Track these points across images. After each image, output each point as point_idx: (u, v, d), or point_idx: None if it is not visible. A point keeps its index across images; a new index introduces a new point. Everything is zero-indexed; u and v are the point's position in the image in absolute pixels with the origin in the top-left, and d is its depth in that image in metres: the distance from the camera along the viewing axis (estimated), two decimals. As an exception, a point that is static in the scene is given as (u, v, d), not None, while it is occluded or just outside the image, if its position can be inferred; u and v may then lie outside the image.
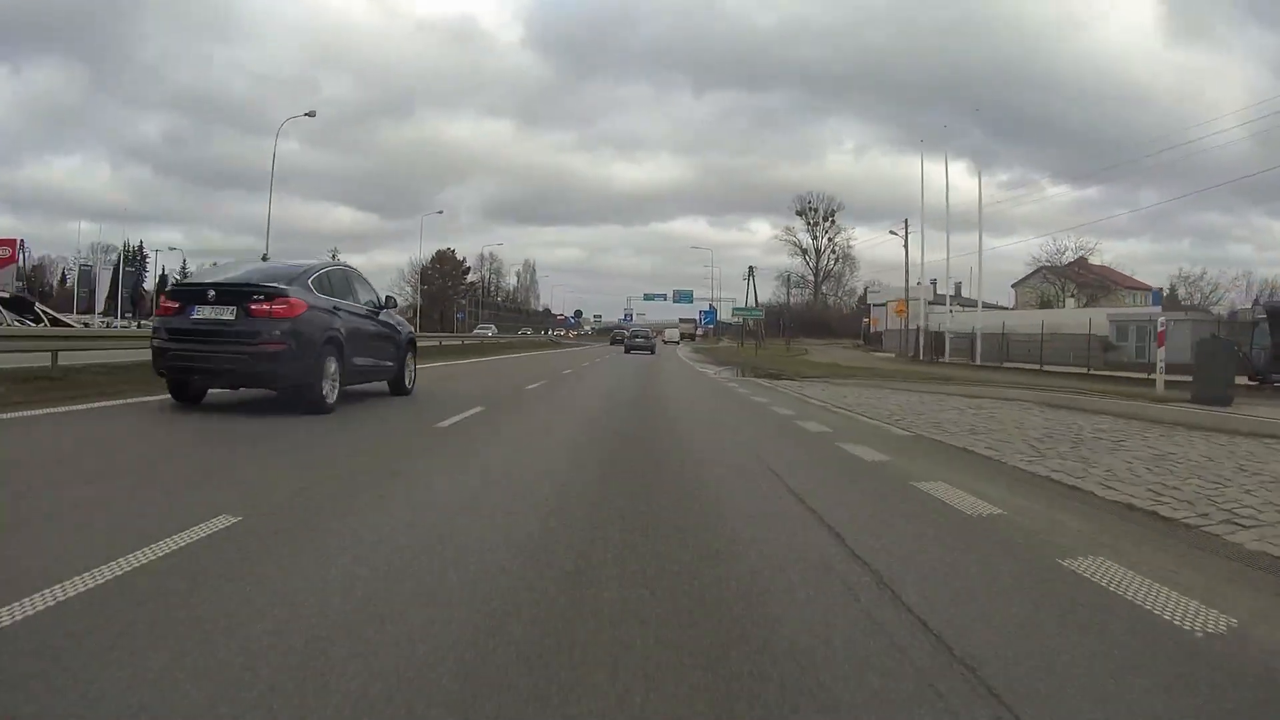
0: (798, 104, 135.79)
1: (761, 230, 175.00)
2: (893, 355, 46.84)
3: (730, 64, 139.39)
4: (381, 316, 10.76)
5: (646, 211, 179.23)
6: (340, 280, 10.02)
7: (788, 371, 26.03)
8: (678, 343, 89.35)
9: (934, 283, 64.43)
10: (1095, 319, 36.31)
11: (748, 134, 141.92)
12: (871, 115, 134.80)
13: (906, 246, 48.38)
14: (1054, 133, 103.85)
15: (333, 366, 8.90)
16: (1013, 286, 74.65)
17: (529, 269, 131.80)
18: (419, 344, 12.97)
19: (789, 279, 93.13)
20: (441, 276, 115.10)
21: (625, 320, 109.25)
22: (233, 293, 8.42)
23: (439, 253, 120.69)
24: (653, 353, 50.00)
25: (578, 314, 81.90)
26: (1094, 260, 67.64)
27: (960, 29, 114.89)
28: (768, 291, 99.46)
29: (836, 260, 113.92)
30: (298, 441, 6.84)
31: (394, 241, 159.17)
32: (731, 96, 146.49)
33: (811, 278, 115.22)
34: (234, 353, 8.17)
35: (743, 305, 78.28)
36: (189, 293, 8.81)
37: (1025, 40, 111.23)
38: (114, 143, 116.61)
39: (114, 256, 66.26)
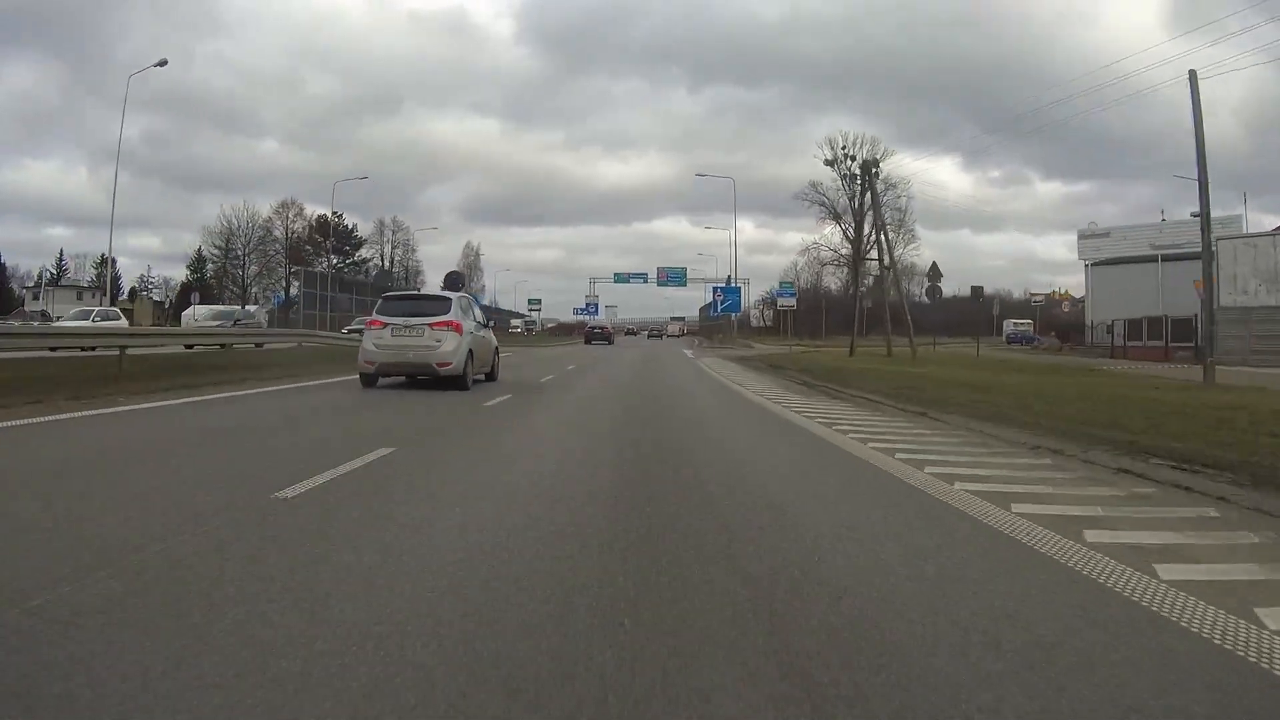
0: (792, 100, 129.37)
1: (745, 229, 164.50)
2: None
3: (728, 58, 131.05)
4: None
5: (629, 211, 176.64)
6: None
7: None
8: (676, 336, 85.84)
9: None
10: None
11: (740, 131, 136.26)
12: (866, 111, 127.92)
13: None
14: (1050, 128, 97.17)
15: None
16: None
17: (471, 252, 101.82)
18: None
19: (820, 257, 60.66)
20: (318, 251, 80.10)
21: (588, 311, 78.53)
22: (603, 326, 63.44)
23: (320, 218, 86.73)
24: (662, 339, 79.39)
25: (455, 280, 37.51)
26: None
27: (961, 23, 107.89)
28: (767, 284, 74.72)
29: (879, 229, 79.55)
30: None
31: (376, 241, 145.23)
32: (726, 92, 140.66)
33: (848, 252, 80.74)
34: (604, 339, 56.15)
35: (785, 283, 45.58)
36: (593, 326, 62.71)
37: (1026, 35, 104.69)
38: (91, 145, 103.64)
39: None
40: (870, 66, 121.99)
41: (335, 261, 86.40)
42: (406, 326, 12.78)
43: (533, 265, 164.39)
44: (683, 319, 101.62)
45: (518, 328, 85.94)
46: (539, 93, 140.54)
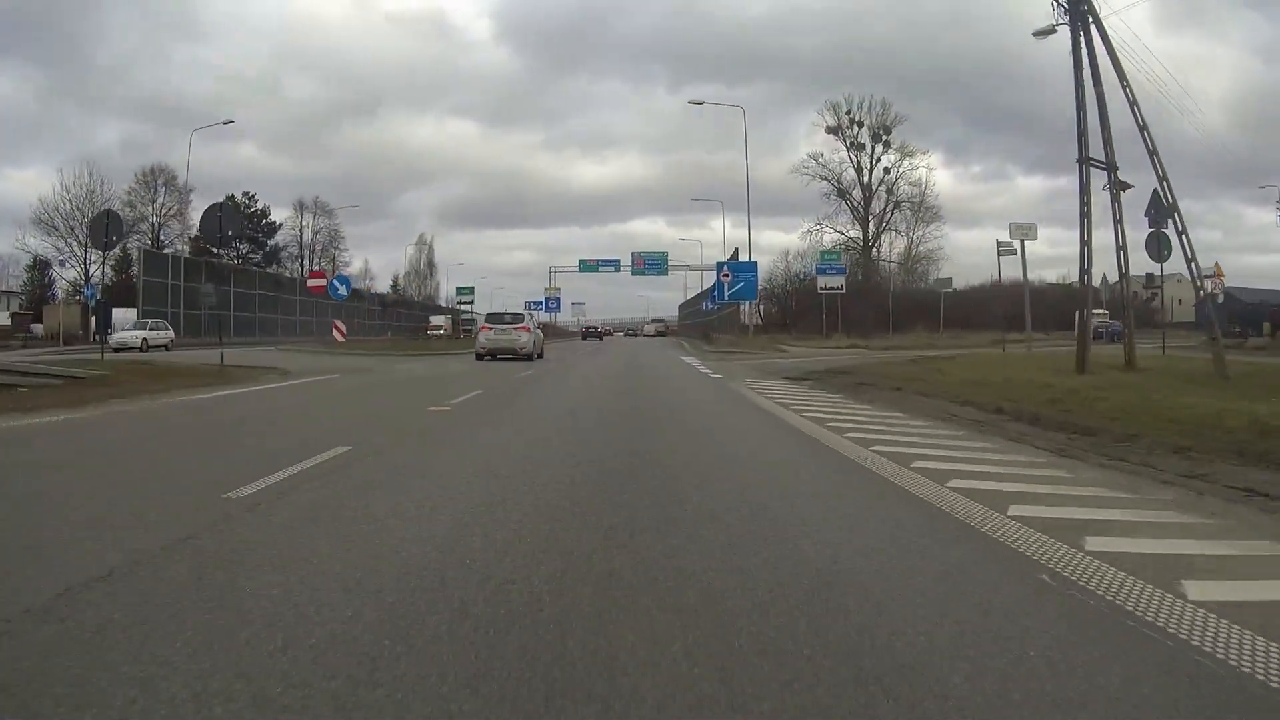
0: (776, 97, 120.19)
1: (725, 227, 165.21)
2: None
3: (713, 56, 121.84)
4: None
5: (606, 212, 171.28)
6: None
7: None
8: (652, 336, 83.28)
9: None
10: None
11: (722, 130, 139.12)
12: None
13: None
14: (1033, 123, 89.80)
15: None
16: None
17: (424, 247, 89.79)
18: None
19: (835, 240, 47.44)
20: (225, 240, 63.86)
21: (545, 308, 65.90)
22: (596, 326, 79.80)
23: (230, 200, 72.78)
24: (638, 338, 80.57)
25: (212, 218, 18.03)
26: None
27: (953, 21, 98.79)
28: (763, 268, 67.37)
29: (894, 205, 67.20)
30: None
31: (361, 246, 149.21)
32: (709, 91, 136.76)
33: (858, 234, 68.19)
34: (596, 336, 69.98)
35: (832, 252, 33.56)
36: (588, 326, 78.05)
37: (1008, 29, 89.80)
38: (69, 151, 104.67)
39: None
40: (857, 64, 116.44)
41: (244, 250, 71.70)
42: (502, 328, 25.20)
43: (508, 268, 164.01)
44: (662, 320, 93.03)
45: (440, 329, 62.41)
46: (519, 94, 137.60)
